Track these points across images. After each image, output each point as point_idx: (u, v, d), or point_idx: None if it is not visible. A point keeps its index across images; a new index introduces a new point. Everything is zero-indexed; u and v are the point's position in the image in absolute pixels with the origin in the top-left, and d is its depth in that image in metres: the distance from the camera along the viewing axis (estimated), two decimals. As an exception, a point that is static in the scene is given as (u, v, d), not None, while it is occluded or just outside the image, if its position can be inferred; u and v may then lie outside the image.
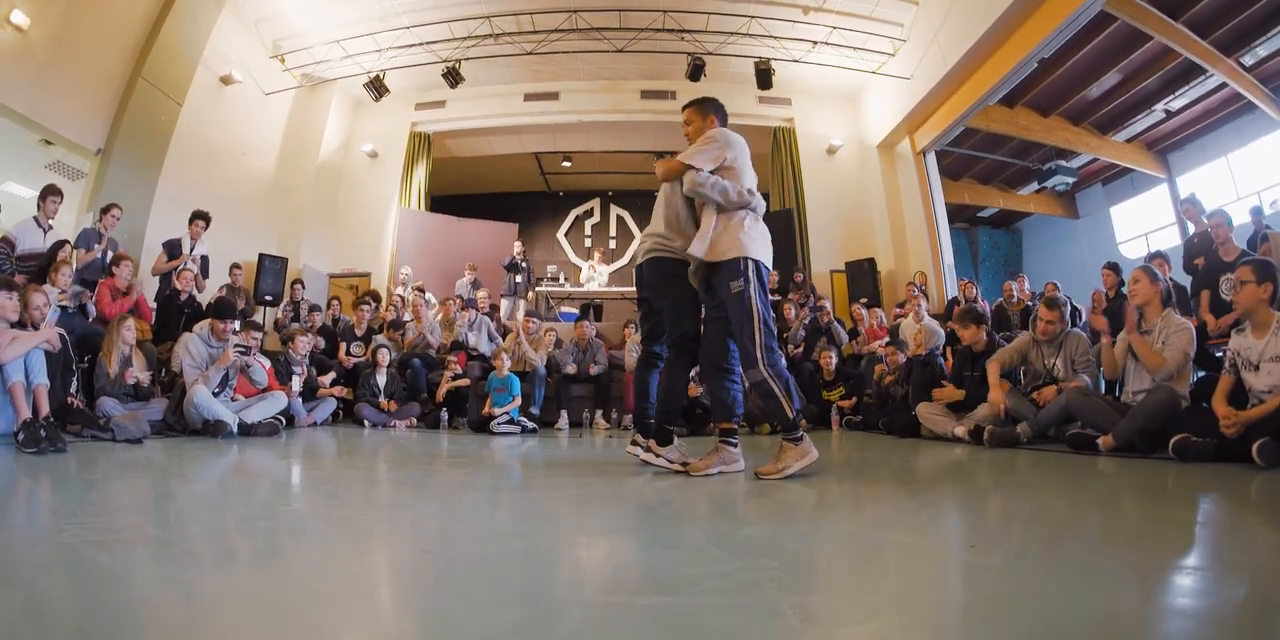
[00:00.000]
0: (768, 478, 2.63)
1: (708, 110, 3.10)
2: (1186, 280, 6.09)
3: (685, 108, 3.15)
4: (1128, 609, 1.09)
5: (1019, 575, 1.32)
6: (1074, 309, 6.84)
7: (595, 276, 11.15)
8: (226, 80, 9.16)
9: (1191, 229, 6.52)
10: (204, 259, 6.68)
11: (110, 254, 5.88)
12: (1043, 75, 9.74)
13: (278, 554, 1.49)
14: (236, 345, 4.84)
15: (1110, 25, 8.52)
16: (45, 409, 3.41)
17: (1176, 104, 10.62)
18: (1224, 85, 9.62)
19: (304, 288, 8.50)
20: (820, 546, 1.63)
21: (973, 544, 1.65)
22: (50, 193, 5.68)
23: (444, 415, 6.31)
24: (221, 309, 4.92)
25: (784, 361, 3.00)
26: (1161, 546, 1.57)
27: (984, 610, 1.09)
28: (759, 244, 2.86)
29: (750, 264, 2.78)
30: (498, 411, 5.74)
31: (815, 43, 9.87)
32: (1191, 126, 11.27)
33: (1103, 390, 4.47)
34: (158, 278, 6.58)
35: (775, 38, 9.79)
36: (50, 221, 5.66)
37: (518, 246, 10.22)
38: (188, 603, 1.12)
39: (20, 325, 3.72)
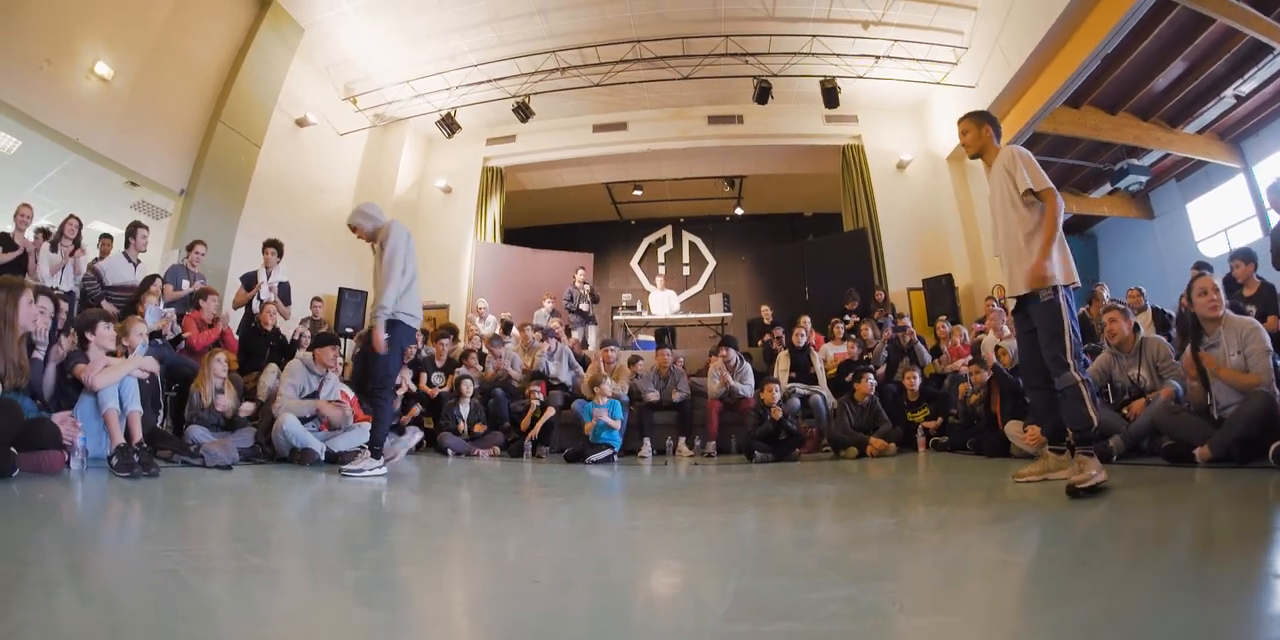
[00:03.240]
0: (1082, 486, 2.52)
1: (983, 121, 3.31)
2: (1275, 277, 5.49)
3: (961, 120, 3.35)
4: (1246, 615, 1.11)
5: (1140, 590, 1.29)
6: (1158, 312, 6.32)
7: (662, 303, 10.87)
8: (301, 123, 9.45)
9: (1275, 219, 5.96)
10: (283, 285, 6.66)
11: (198, 286, 5.96)
12: (1106, 71, 9.23)
13: (389, 585, 1.44)
14: (337, 402, 4.88)
15: (1170, 12, 8.05)
16: (138, 435, 3.46)
17: (1246, 88, 9.88)
18: (1294, 63, 8.97)
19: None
20: (931, 569, 1.61)
21: (1084, 560, 1.63)
22: (138, 227, 5.94)
23: (527, 444, 6.13)
24: (321, 338, 5.12)
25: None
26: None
27: (1115, 629, 1.05)
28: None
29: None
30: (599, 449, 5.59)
31: (878, 57, 9.62)
32: (1264, 110, 10.48)
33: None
34: (241, 310, 6.63)
35: (837, 55, 9.59)
36: (140, 255, 5.80)
37: (580, 274, 10.09)
38: (305, 634, 1.08)
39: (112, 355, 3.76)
